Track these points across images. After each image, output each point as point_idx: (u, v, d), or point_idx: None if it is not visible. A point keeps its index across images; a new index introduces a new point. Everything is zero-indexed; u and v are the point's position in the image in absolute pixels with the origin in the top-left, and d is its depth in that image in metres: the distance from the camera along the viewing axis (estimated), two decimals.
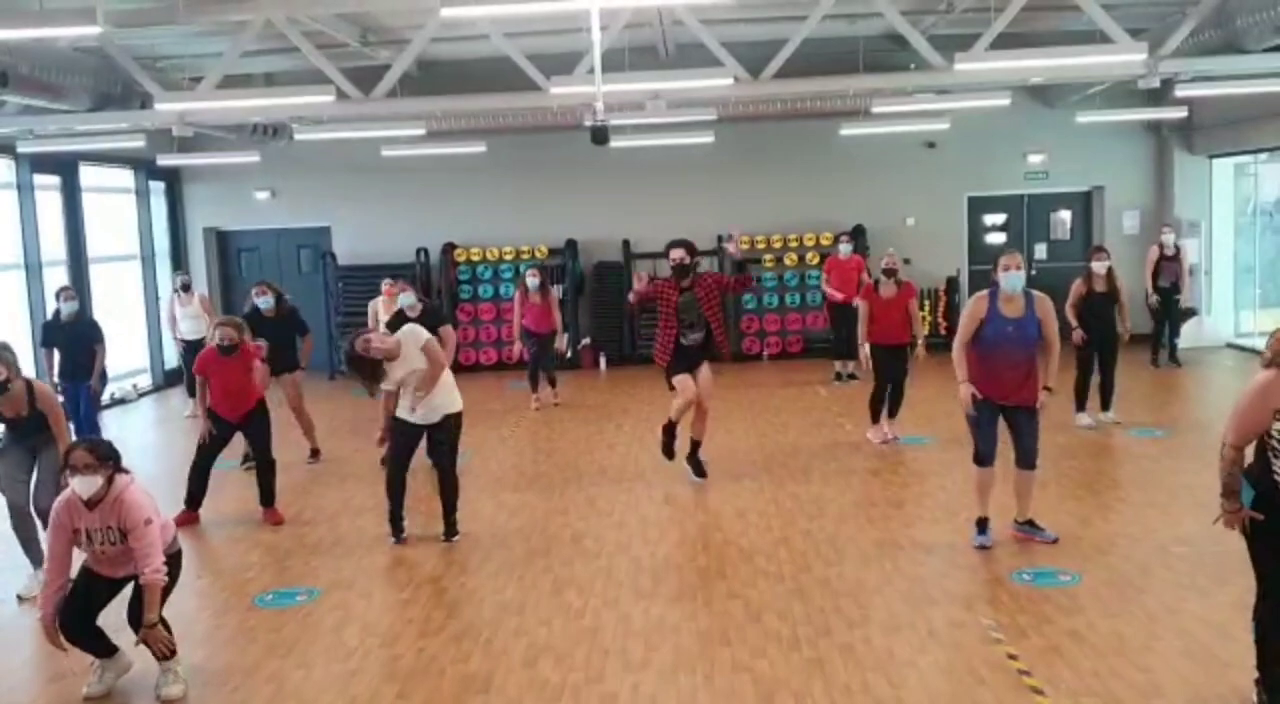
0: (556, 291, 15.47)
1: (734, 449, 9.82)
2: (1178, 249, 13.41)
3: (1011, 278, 6.63)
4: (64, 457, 5.04)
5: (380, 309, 11.65)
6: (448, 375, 7.40)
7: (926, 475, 8.73)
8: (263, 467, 8.30)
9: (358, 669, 5.43)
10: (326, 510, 8.39)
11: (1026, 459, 6.83)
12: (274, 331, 9.76)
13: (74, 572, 5.22)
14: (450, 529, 7.56)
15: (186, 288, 13.01)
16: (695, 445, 8.79)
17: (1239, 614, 4.61)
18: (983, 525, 6.90)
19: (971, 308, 6.77)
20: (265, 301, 10.03)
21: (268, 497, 8.26)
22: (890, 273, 9.87)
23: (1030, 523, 6.97)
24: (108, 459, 5.02)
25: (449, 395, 7.39)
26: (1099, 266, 10.09)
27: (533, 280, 12.39)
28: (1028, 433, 6.79)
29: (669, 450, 8.79)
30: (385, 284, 11.82)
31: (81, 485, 4.93)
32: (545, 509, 8.27)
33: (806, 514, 7.78)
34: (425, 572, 6.95)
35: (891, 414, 10.02)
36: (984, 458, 6.81)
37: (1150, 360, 13.38)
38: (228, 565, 7.37)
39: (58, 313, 10.30)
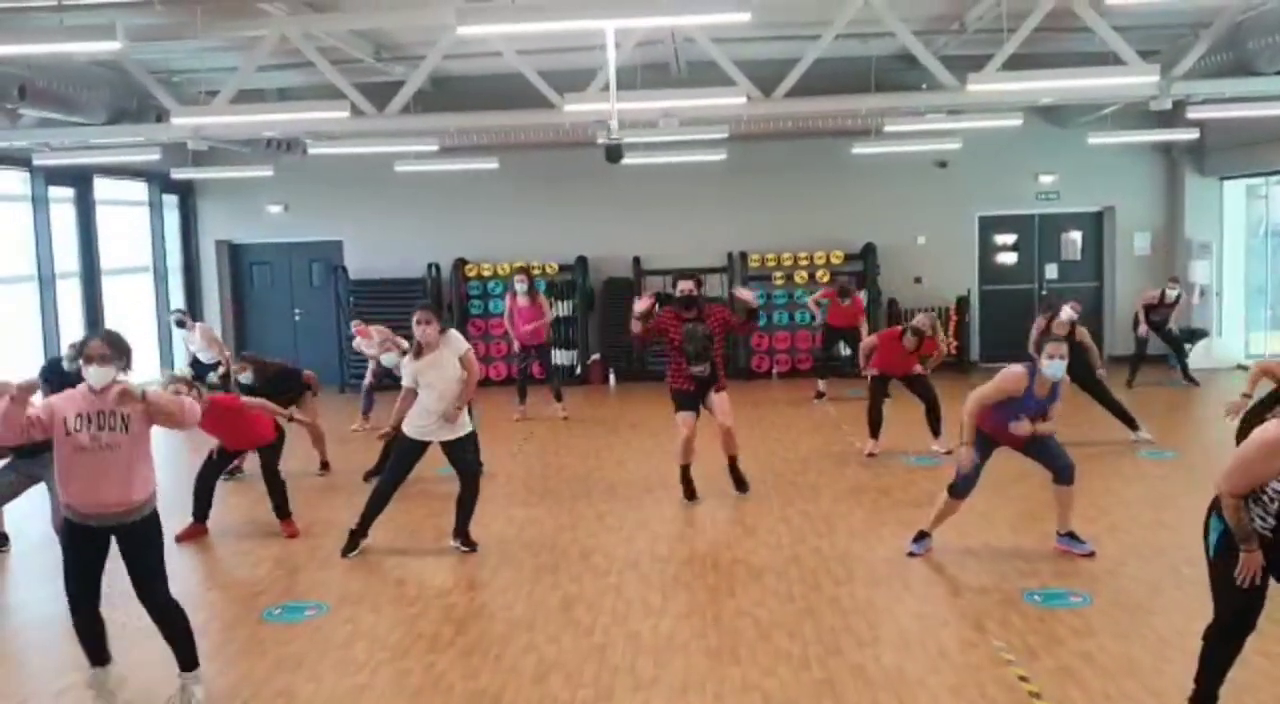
0: (565, 307, 15.62)
1: (744, 466, 9.77)
2: (1178, 299, 13.36)
3: (1055, 366, 6.65)
4: (79, 345, 4.97)
5: (363, 347, 11.88)
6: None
7: (937, 495, 8.66)
8: (270, 484, 8.27)
9: (367, 684, 5.43)
10: (337, 524, 8.39)
11: (1063, 476, 7.02)
12: (270, 392, 9.58)
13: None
14: (466, 538, 7.59)
15: (181, 324, 12.50)
16: (733, 460, 8.83)
17: (1251, 637, 4.58)
18: (921, 537, 7.19)
19: (1007, 384, 6.73)
20: (247, 377, 9.85)
21: (281, 510, 8.28)
22: (919, 333, 10.01)
23: (1071, 535, 7.14)
24: (122, 352, 5.01)
25: (461, 420, 7.47)
26: (1066, 315, 10.13)
27: (520, 286, 12.62)
28: (1050, 454, 7.00)
29: (690, 493, 8.81)
30: (356, 324, 12.06)
31: (96, 374, 4.91)
32: (554, 525, 8.27)
33: (816, 532, 7.78)
34: (435, 587, 6.95)
35: (935, 432, 10.12)
36: (959, 491, 7.02)
37: (1127, 382, 13.23)
38: (236, 578, 7.38)
39: (63, 360, 9.46)
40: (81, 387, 5.00)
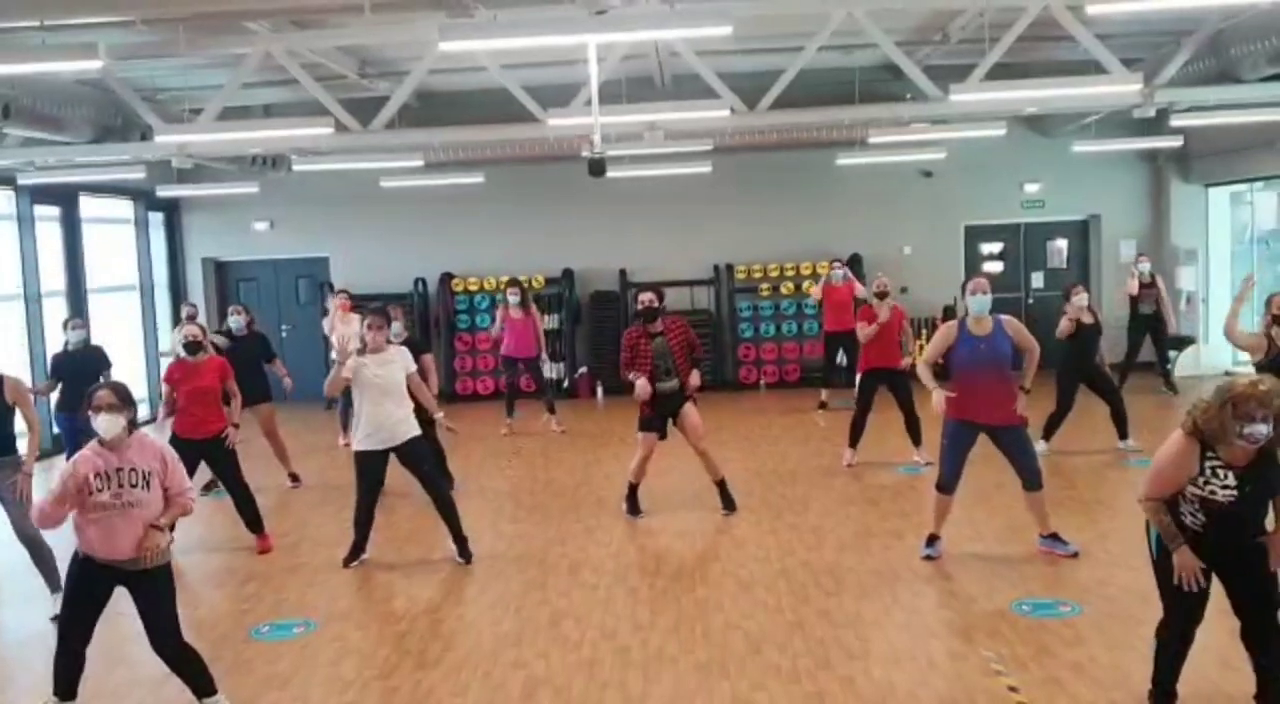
0: (552, 320, 15.56)
1: (731, 479, 9.73)
2: (1154, 277, 13.34)
3: (978, 301, 7.01)
4: (88, 397, 4.97)
5: (336, 321, 11.66)
6: (408, 401, 7.58)
7: (925, 506, 8.65)
8: (237, 497, 8.19)
9: (355, 702, 5.41)
10: (325, 540, 8.36)
11: (1030, 481, 7.14)
12: (242, 352, 9.93)
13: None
14: (463, 548, 7.65)
15: (193, 319, 12.60)
16: (721, 484, 8.77)
17: (1240, 645, 4.59)
18: (932, 540, 7.30)
19: (942, 332, 7.13)
20: (237, 321, 10.48)
21: (253, 525, 8.23)
22: (882, 295, 10.12)
23: (1054, 536, 7.24)
24: (129, 403, 5.01)
25: (408, 419, 7.54)
26: (1079, 300, 10.09)
27: (513, 298, 12.45)
28: (1022, 453, 7.11)
29: (634, 508, 8.77)
30: (340, 298, 12.05)
31: (106, 424, 4.91)
32: (543, 539, 8.25)
33: (805, 544, 7.76)
34: (423, 603, 6.92)
35: (916, 442, 10.08)
36: (946, 485, 7.17)
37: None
38: (223, 596, 7.33)
39: (66, 343, 9.82)
40: (93, 444, 4.98)
